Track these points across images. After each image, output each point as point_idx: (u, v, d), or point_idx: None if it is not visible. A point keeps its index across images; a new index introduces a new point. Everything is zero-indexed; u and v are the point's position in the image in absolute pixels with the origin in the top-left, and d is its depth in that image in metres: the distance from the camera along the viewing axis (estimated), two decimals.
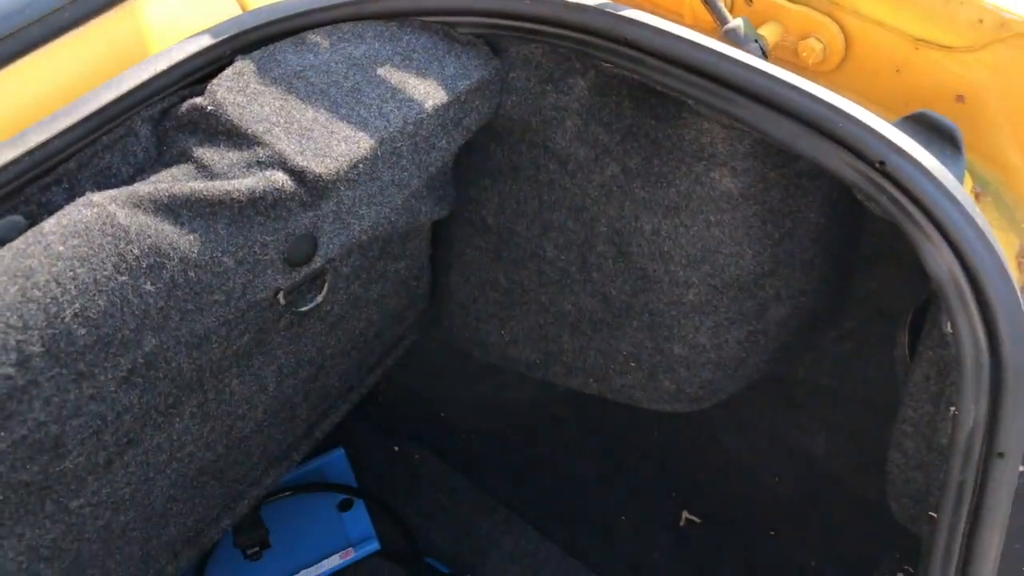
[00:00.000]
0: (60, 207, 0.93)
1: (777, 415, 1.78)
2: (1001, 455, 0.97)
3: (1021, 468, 1.05)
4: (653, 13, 1.27)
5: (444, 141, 1.14)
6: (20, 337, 0.85)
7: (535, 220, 1.40)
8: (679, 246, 1.26)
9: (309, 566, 1.98)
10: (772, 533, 1.93)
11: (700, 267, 1.27)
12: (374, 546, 2.00)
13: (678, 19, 1.23)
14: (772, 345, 1.40)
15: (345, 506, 2.08)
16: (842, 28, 1.09)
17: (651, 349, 1.39)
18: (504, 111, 1.24)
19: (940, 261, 0.92)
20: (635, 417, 2.08)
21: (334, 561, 1.98)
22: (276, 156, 0.98)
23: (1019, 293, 0.92)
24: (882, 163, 0.92)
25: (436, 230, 1.53)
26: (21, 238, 0.89)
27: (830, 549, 1.84)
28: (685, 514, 2.01)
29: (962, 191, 0.91)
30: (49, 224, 0.90)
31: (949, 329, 0.94)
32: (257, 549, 1.86)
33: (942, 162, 0.96)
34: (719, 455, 1.97)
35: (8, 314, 0.85)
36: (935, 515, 1.06)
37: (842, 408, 1.66)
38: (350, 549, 2.00)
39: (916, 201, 0.91)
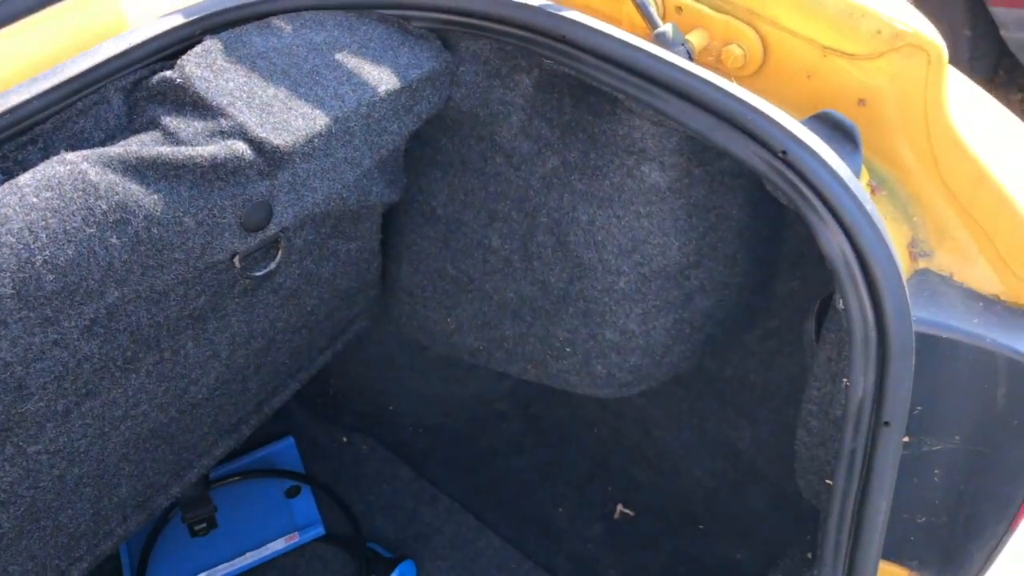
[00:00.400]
0: (35, 165, 1.00)
1: (707, 411, 1.87)
2: (887, 424, 1.07)
3: (906, 439, 1.16)
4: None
5: (395, 125, 1.23)
6: None
7: (482, 210, 1.49)
8: (612, 236, 1.36)
9: (255, 548, 2.03)
10: (700, 527, 2.02)
11: (631, 256, 1.36)
12: (319, 531, 2.06)
13: (616, 23, 1.34)
14: (697, 335, 1.49)
15: (292, 492, 2.14)
16: (760, 36, 1.19)
17: (585, 335, 1.48)
18: (454, 103, 1.34)
19: (833, 243, 1.02)
20: (575, 413, 2.18)
21: (279, 544, 2.04)
22: (238, 127, 1.06)
23: (904, 276, 1.03)
24: (784, 152, 1.02)
25: (388, 220, 1.62)
26: None
27: (753, 541, 1.93)
28: (620, 507, 2.10)
29: (854, 180, 1.01)
30: (25, 178, 0.97)
31: (841, 306, 1.04)
32: (204, 526, 1.92)
33: (841, 156, 1.07)
34: (654, 451, 2.06)
35: None
36: (830, 482, 1.16)
37: (766, 403, 1.76)
38: (295, 533, 2.06)
39: (813, 187, 1.01)
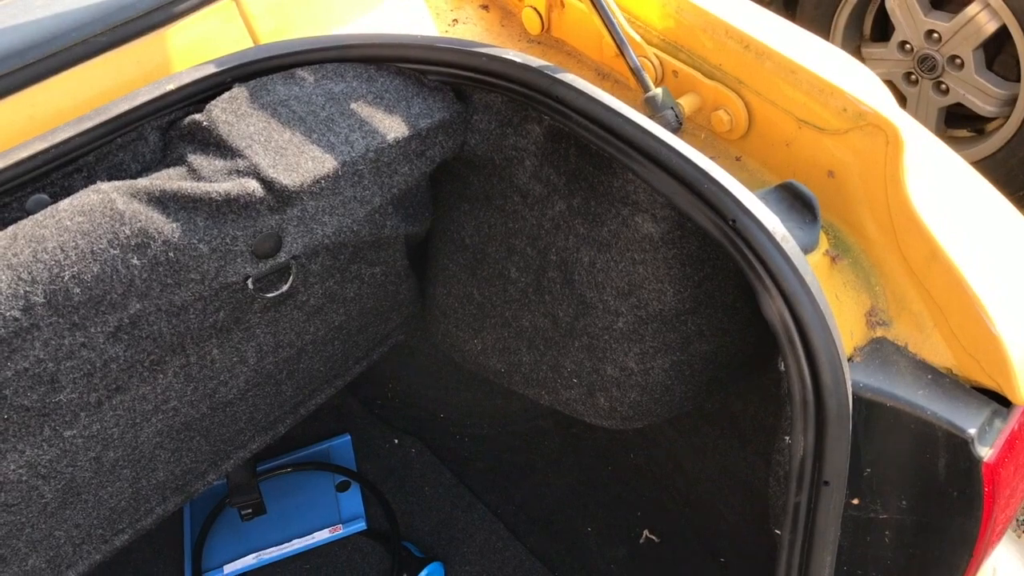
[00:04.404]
0: (78, 190, 1.17)
1: (729, 448, 1.92)
2: (826, 483, 1.12)
3: (856, 501, 1.20)
4: (609, 75, 1.46)
5: (407, 168, 1.35)
6: (28, 288, 1.09)
7: (502, 243, 1.59)
8: (610, 278, 1.44)
9: (301, 536, 2.20)
10: (721, 560, 2.07)
11: (628, 299, 1.44)
12: (361, 525, 2.21)
13: (627, 84, 1.42)
14: (698, 378, 1.55)
15: (343, 487, 2.30)
16: (746, 104, 1.25)
17: (589, 368, 1.57)
18: (470, 148, 1.44)
19: (774, 308, 1.07)
20: (613, 438, 2.25)
21: (324, 534, 2.20)
22: (252, 167, 1.20)
23: (843, 344, 1.08)
24: (734, 221, 1.08)
25: (426, 246, 1.74)
26: (41, 212, 1.13)
27: None
28: (646, 532, 2.16)
29: (798, 252, 1.06)
30: (63, 204, 1.14)
31: (783, 367, 1.10)
32: (250, 512, 2.09)
33: (800, 225, 1.13)
34: (683, 482, 2.12)
35: (20, 269, 1.09)
36: (779, 532, 1.21)
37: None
38: (339, 525, 2.21)
39: (757, 255, 1.07)
